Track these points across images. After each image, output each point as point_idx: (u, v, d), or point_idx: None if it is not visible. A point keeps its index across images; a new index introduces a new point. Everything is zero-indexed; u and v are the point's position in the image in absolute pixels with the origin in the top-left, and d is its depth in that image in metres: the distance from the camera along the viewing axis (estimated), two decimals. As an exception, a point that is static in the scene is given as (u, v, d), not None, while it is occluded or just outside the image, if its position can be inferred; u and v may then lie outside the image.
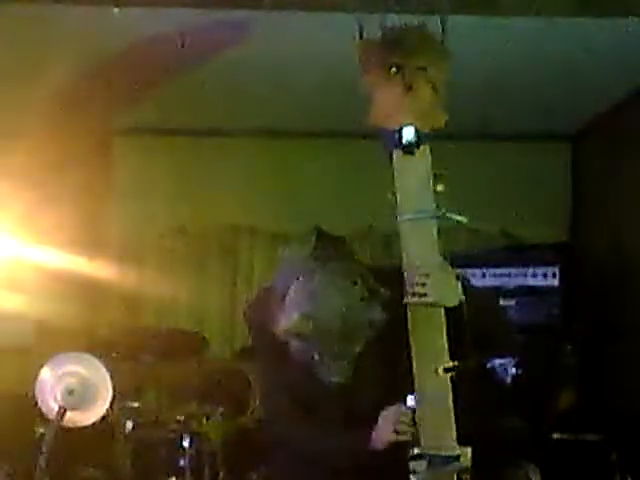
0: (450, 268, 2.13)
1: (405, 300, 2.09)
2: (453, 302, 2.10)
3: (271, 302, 2.24)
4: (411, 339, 2.09)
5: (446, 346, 2.09)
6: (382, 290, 2.16)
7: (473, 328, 2.14)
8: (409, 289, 2.08)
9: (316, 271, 2.17)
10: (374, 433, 2.21)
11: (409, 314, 2.10)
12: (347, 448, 2.28)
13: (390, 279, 2.15)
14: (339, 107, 4.21)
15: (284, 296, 2.20)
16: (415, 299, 2.08)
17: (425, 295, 2.07)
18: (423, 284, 2.06)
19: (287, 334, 2.17)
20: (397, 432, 2.16)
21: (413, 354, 2.09)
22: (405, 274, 2.10)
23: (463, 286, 2.14)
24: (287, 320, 2.15)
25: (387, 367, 2.25)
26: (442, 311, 2.10)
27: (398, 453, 2.15)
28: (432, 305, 2.09)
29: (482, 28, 3.55)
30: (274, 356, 2.29)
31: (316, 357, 2.17)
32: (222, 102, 4.61)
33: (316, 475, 2.35)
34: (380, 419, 2.21)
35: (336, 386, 2.20)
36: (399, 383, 2.20)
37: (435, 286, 2.07)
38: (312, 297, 2.14)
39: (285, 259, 2.30)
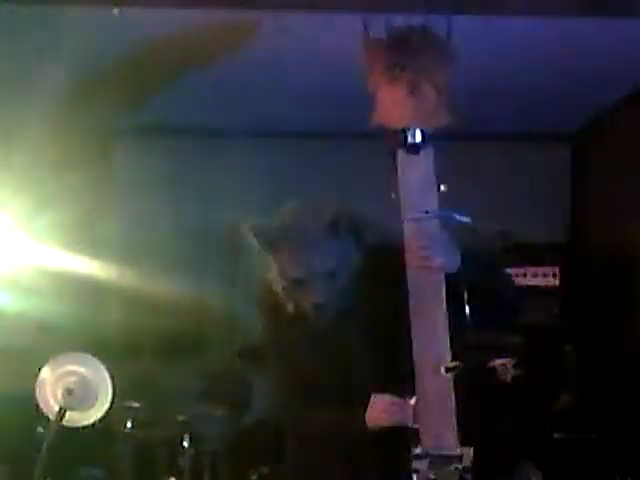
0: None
1: (408, 262, 2.09)
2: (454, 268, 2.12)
3: None
4: (412, 338, 2.09)
5: (448, 345, 2.09)
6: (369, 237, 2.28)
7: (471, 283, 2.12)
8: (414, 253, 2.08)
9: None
10: (366, 414, 2.25)
11: (410, 312, 2.10)
12: (343, 428, 2.32)
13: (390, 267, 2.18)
14: (340, 107, 4.21)
15: None
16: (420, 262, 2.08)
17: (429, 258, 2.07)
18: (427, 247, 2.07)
19: (256, 232, 2.31)
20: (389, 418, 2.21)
21: (414, 352, 2.09)
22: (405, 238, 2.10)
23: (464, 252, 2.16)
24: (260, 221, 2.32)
25: (376, 309, 2.29)
26: (444, 306, 2.09)
27: (394, 438, 2.18)
28: (436, 271, 2.08)
29: (482, 28, 3.55)
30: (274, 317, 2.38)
31: (296, 277, 2.26)
32: (222, 102, 4.61)
33: (318, 456, 2.38)
34: (370, 405, 2.26)
35: (325, 322, 2.26)
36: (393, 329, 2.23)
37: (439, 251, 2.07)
38: (290, 214, 2.35)
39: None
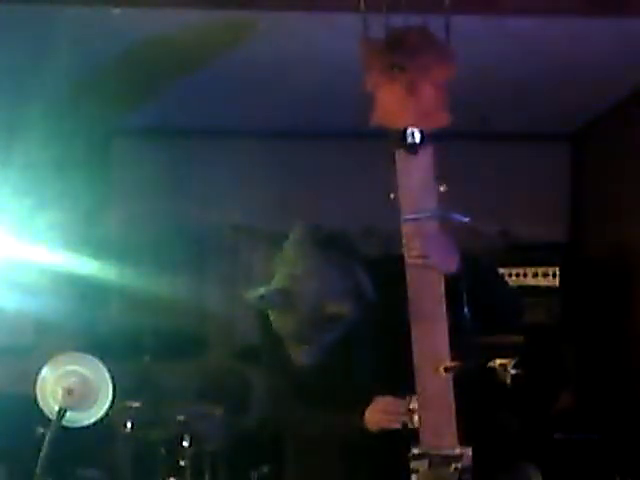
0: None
1: (407, 262, 2.09)
2: (452, 268, 2.11)
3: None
4: (412, 337, 2.09)
5: (448, 345, 2.08)
6: (369, 293, 2.22)
7: (472, 294, 2.12)
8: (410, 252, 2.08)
9: (307, 251, 2.25)
10: (366, 415, 2.26)
11: (410, 312, 2.10)
12: (339, 429, 2.32)
13: (390, 271, 2.16)
14: (339, 107, 4.21)
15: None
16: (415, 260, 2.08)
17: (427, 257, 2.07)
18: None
19: (261, 303, 2.22)
20: (388, 420, 2.22)
21: (414, 352, 2.09)
22: (404, 238, 2.10)
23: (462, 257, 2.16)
24: (265, 290, 2.22)
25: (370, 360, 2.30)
26: (444, 306, 2.09)
27: (393, 439, 2.18)
28: (432, 268, 2.08)
29: (482, 28, 3.55)
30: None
31: (284, 336, 2.24)
32: (222, 102, 4.61)
33: (318, 457, 2.39)
34: (370, 406, 2.26)
35: (310, 369, 2.25)
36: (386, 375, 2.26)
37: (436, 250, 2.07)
38: (293, 278, 2.21)
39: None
